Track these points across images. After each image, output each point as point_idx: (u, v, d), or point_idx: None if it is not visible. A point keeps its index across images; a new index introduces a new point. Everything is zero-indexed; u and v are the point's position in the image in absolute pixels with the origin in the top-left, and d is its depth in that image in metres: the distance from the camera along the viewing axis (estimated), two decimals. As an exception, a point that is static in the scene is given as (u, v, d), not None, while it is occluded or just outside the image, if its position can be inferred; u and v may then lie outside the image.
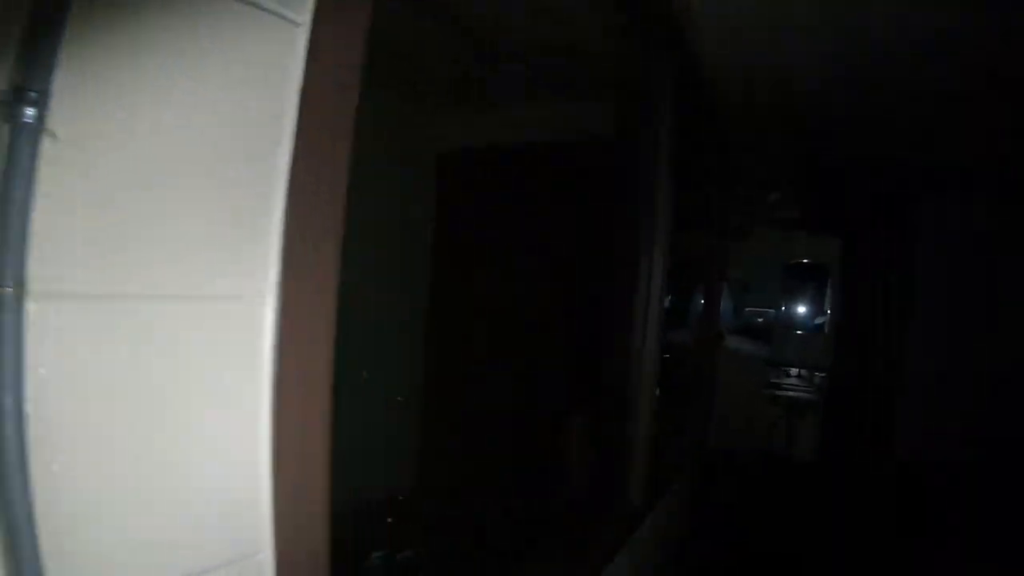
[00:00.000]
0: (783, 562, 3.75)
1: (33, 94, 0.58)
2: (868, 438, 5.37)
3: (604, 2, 2.42)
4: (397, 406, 3.46)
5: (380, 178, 2.82)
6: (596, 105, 3.20)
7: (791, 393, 5.66)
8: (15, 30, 0.58)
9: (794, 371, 5.79)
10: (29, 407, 0.59)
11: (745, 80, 3.23)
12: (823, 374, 5.70)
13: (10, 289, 0.57)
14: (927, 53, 2.65)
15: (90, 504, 0.66)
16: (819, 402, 5.52)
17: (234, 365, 0.79)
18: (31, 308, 0.59)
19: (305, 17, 0.81)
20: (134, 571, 0.70)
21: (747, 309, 5.86)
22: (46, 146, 0.60)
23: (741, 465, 5.42)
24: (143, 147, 0.67)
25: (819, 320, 5.78)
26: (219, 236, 0.76)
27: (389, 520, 2.95)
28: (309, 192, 0.83)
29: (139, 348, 0.69)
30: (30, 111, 0.58)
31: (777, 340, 5.85)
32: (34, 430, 0.60)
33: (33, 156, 0.59)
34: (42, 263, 0.60)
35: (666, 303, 3.01)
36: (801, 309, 5.86)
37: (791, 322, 5.86)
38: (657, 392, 2.92)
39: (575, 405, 2.90)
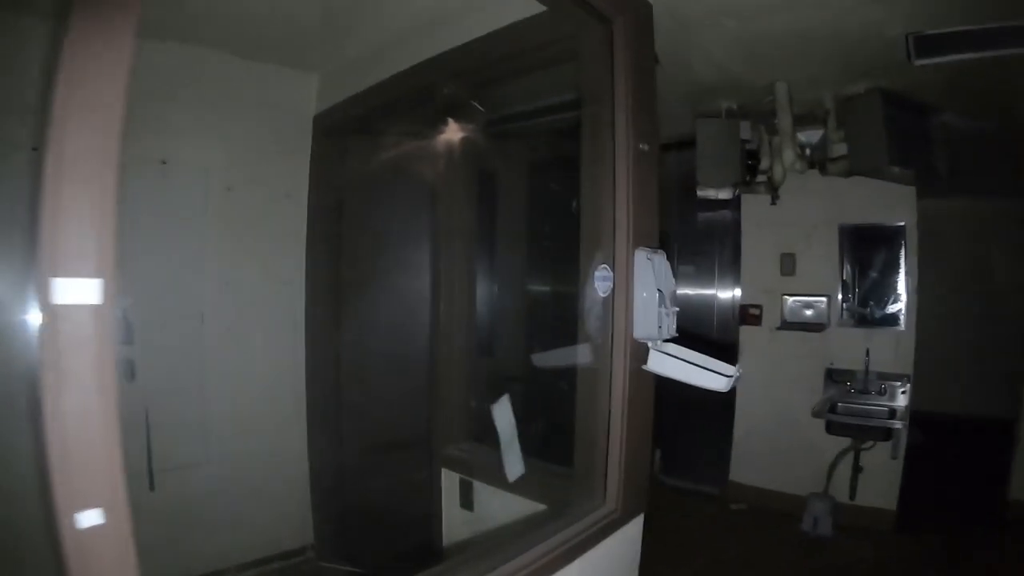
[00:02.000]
0: None
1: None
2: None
3: None
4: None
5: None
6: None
7: (857, 420, 3.71)
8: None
9: (858, 385, 3.84)
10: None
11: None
12: (904, 389, 3.75)
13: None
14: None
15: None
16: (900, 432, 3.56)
17: None
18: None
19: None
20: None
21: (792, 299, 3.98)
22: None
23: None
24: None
25: (893, 305, 3.85)
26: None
27: None
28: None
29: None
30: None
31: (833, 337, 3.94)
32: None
33: None
34: None
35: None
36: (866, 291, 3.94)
37: (856, 311, 3.93)
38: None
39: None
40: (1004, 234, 5.99)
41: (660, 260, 1.85)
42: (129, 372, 2.65)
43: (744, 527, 3.96)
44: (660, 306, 1.80)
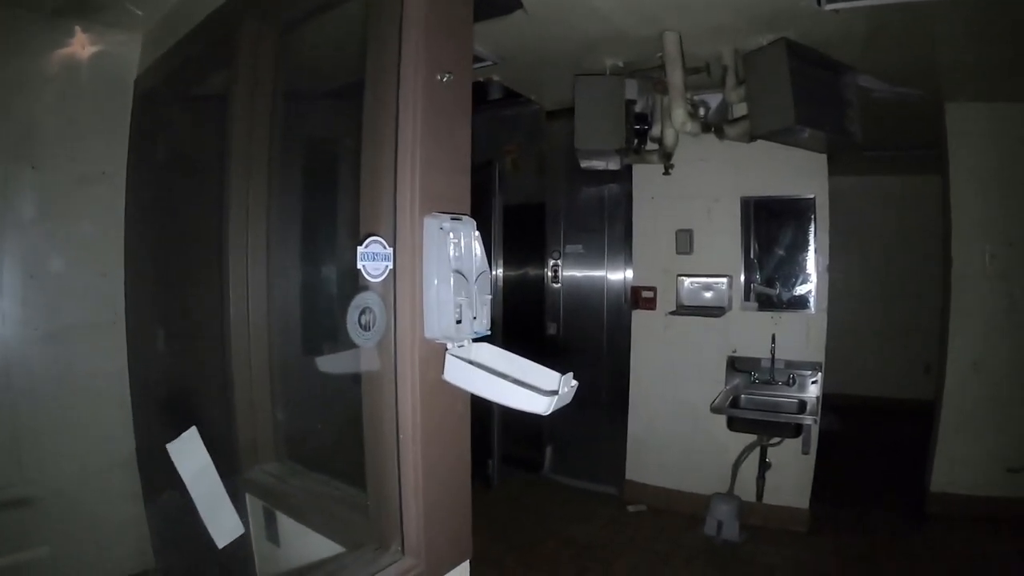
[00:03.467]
0: None
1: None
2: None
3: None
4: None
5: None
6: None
7: (762, 415, 3.33)
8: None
9: (764, 375, 3.47)
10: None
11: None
12: (815, 379, 3.40)
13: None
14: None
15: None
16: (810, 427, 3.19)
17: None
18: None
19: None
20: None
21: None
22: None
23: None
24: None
25: (802, 286, 3.49)
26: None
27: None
28: None
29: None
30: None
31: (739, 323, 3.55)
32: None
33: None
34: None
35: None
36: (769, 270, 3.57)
37: (761, 294, 3.56)
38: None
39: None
40: (916, 208, 5.93)
41: (465, 231, 1.30)
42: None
43: (642, 532, 3.54)
44: (460, 294, 1.26)
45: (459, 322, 1.25)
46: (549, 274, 4.27)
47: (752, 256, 3.55)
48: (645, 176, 3.74)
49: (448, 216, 1.29)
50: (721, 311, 3.52)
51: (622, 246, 3.97)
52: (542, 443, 4.34)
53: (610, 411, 3.98)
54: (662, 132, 3.25)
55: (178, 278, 2.71)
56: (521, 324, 4.38)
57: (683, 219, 3.67)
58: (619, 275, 4.01)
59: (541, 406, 1.13)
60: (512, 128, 4.28)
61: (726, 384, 3.51)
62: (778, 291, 3.51)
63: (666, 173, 3.55)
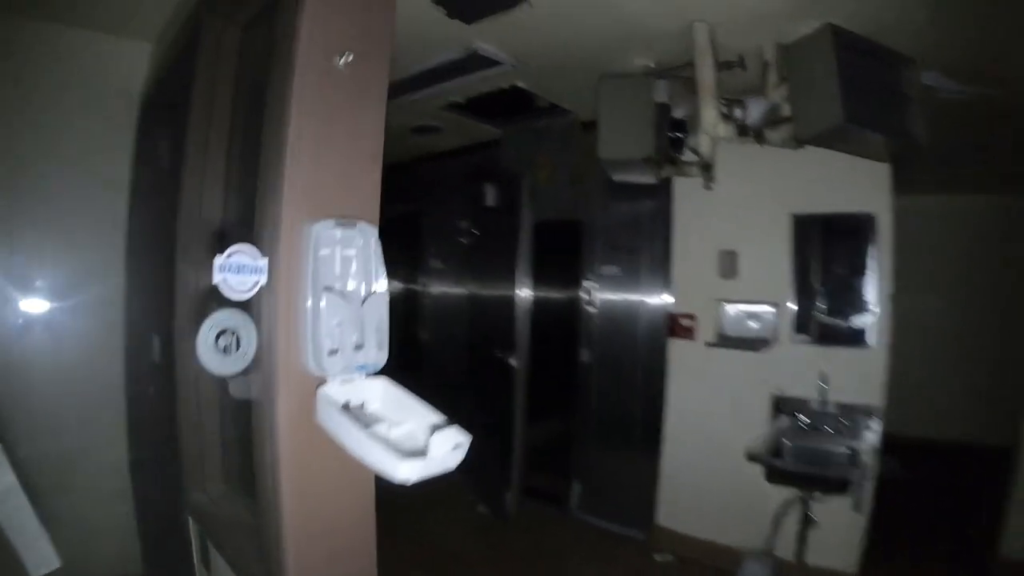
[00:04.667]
0: None
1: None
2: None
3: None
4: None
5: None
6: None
7: (806, 468, 2.89)
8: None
9: (813, 418, 3.02)
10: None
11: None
12: (871, 426, 2.93)
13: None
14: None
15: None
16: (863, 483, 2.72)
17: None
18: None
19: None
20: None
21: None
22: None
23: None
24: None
25: (861, 317, 3.03)
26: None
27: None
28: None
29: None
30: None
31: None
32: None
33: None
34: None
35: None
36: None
37: (813, 325, 3.13)
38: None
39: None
40: (1004, 232, 5.21)
41: (359, 240, 1.07)
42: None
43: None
44: (335, 318, 1.03)
45: (333, 352, 1.01)
46: (584, 297, 3.97)
47: (804, 282, 3.13)
48: (685, 191, 3.40)
49: (334, 222, 1.06)
50: (766, 343, 3.11)
51: (661, 268, 3.62)
52: (569, 476, 4.01)
53: (643, 448, 3.62)
54: (697, 139, 2.92)
55: (140, 287, 2.62)
56: (551, 350, 4.10)
57: (726, 239, 3.30)
58: (657, 299, 3.66)
59: (399, 473, 0.87)
60: (545, 139, 4.03)
61: (770, 426, 3.09)
62: (832, 322, 3.07)
63: (707, 187, 3.20)
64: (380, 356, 1.07)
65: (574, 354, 3.98)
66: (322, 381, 1.04)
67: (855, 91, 2.28)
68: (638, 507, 3.61)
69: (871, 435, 2.91)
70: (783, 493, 2.98)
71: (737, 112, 2.72)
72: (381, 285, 1.08)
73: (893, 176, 2.92)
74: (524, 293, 3.92)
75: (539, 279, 4.04)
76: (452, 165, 4.78)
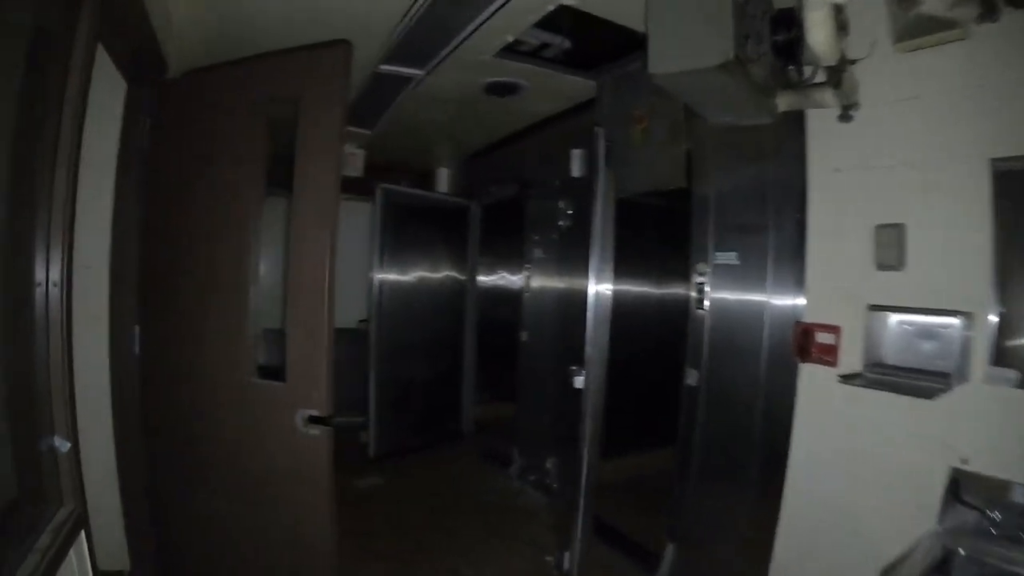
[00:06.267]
0: None
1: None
2: None
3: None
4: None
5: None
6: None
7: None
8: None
9: (1010, 517, 1.66)
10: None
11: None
12: None
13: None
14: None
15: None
16: None
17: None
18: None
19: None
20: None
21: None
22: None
23: None
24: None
25: None
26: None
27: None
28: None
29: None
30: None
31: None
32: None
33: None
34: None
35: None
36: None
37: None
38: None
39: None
40: None
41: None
42: None
43: None
44: None
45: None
46: (694, 295, 2.90)
47: (1012, 277, 1.76)
48: (822, 134, 2.20)
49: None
50: (945, 383, 1.80)
51: (794, 255, 2.43)
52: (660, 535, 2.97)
53: (758, 512, 2.48)
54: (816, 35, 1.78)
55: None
56: (644, 366, 3.09)
57: (886, 206, 2.03)
58: (787, 300, 2.48)
59: None
60: (643, 87, 3.02)
61: (939, 520, 1.78)
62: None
63: (844, 117, 2.00)
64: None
65: (679, 375, 2.93)
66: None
67: None
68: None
69: None
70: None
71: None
72: None
73: None
74: (601, 288, 2.96)
75: (624, 270, 3.04)
76: (551, 133, 3.96)
